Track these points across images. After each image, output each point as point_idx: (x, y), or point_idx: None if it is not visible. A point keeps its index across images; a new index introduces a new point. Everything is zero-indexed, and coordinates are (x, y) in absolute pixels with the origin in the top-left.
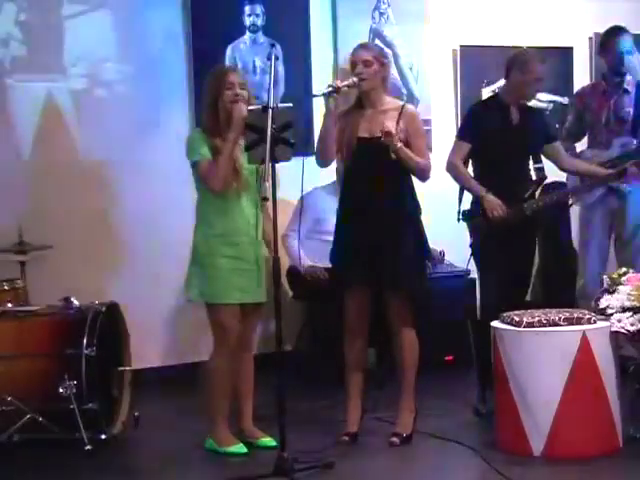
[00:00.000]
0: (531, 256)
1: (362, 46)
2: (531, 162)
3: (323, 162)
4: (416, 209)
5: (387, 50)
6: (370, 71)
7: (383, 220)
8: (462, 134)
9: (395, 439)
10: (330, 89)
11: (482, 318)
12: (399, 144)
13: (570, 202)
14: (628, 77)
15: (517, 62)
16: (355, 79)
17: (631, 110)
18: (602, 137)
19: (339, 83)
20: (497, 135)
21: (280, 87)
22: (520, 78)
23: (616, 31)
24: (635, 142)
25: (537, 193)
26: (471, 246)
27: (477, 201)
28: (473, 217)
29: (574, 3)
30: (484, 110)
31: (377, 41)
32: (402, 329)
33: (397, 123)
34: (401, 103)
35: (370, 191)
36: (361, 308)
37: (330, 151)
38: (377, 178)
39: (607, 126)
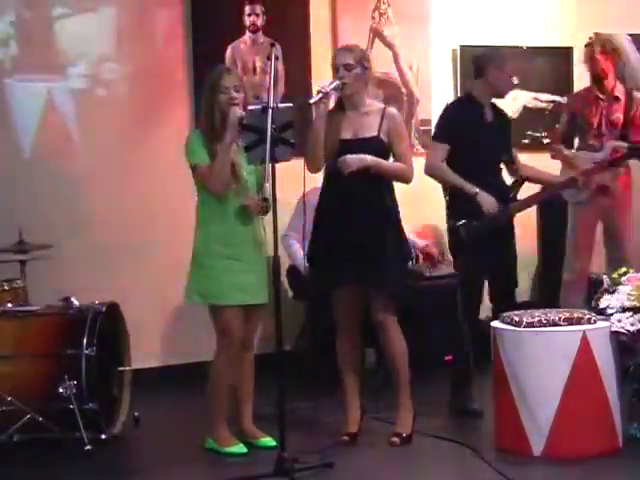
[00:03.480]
0: (515, 255)
1: (344, 49)
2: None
3: (314, 168)
4: (396, 210)
5: (387, 50)
6: (352, 75)
7: (364, 220)
8: (440, 135)
9: (395, 439)
10: (320, 95)
11: (468, 318)
12: (363, 164)
13: None
14: (619, 84)
15: (493, 60)
16: (339, 82)
17: (621, 116)
18: (593, 140)
19: (327, 88)
20: (475, 134)
21: (280, 87)
22: (497, 75)
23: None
24: (626, 145)
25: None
26: (460, 250)
27: (461, 201)
28: (463, 220)
29: (574, 3)
30: (460, 110)
31: (377, 41)
32: (386, 324)
33: (380, 126)
34: (382, 106)
35: (351, 192)
36: (349, 307)
37: (321, 155)
38: (357, 179)
39: (599, 130)
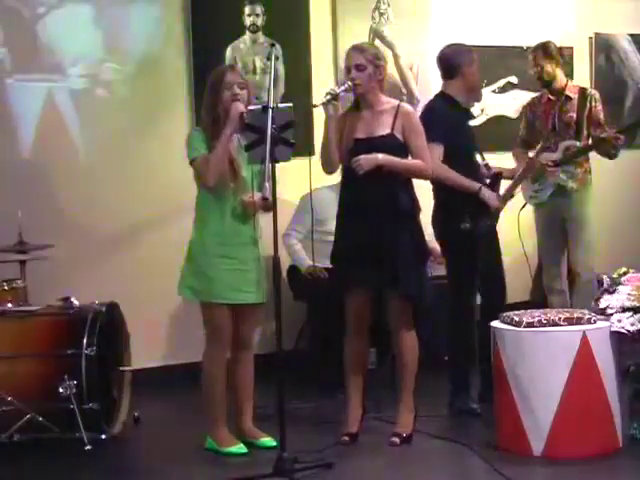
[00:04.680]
0: (500, 253)
1: (355, 49)
2: (479, 158)
3: (329, 169)
4: (413, 209)
5: (387, 50)
6: (364, 76)
7: (380, 220)
8: (436, 136)
9: (395, 439)
10: (329, 97)
11: (466, 319)
12: (374, 163)
13: None
14: (570, 84)
15: (464, 57)
16: (350, 83)
17: (574, 115)
18: (550, 142)
19: (337, 89)
20: (460, 135)
21: (280, 87)
22: (471, 71)
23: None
24: (578, 144)
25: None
26: (467, 250)
27: (458, 202)
28: (478, 222)
29: (574, 3)
30: (447, 110)
31: (377, 41)
32: (401, 329)
33: (393, 123)
34: (397, 103)
35: (367, 192)
36: (361, 310)
37: (334, 157)
38: (373, 179)
39: (554, 131)
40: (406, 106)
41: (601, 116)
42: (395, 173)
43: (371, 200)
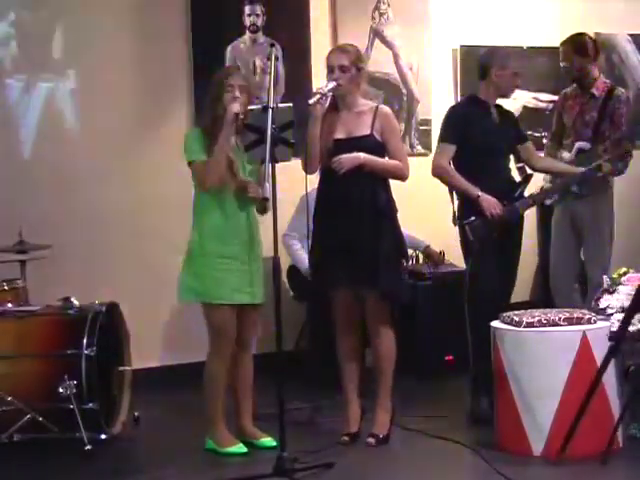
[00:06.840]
0: (519, 255)
1: (340, 49)
2: (512, 162)
3: (310, 169)
4: (392, 208)
5: (387, 50)
6: (346, 77)
7: (359, 220)
8: (447, 136)
9: (371, 439)
10: (318, 96)
11: (481, 319)
12: (356, 162)
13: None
14: (601, 80)
15: (495, 59)
16: (335, 83)
17: (595, 115)
18: (569, 140)
19: (324, 89)
20: (483, 136)
21: (280, 87)
22: (501, 74)
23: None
24: (589, 147)
25: (525, 191)
26: (468, 249)
27: (468, 203)
28: (470, 219)
29: (574, 3)
30: (467, 111)
31: (377, 41)
32: (379, 328)
33: (372, 124)
34: (375, 104)
35: (346, 191)
36: (347, 307)
37: (316, 158)
38: (352, 178)
39: (574, 129)
40: (385, 108)
41: (622, 120)
42: (374, 173)
43: (351, 199)
